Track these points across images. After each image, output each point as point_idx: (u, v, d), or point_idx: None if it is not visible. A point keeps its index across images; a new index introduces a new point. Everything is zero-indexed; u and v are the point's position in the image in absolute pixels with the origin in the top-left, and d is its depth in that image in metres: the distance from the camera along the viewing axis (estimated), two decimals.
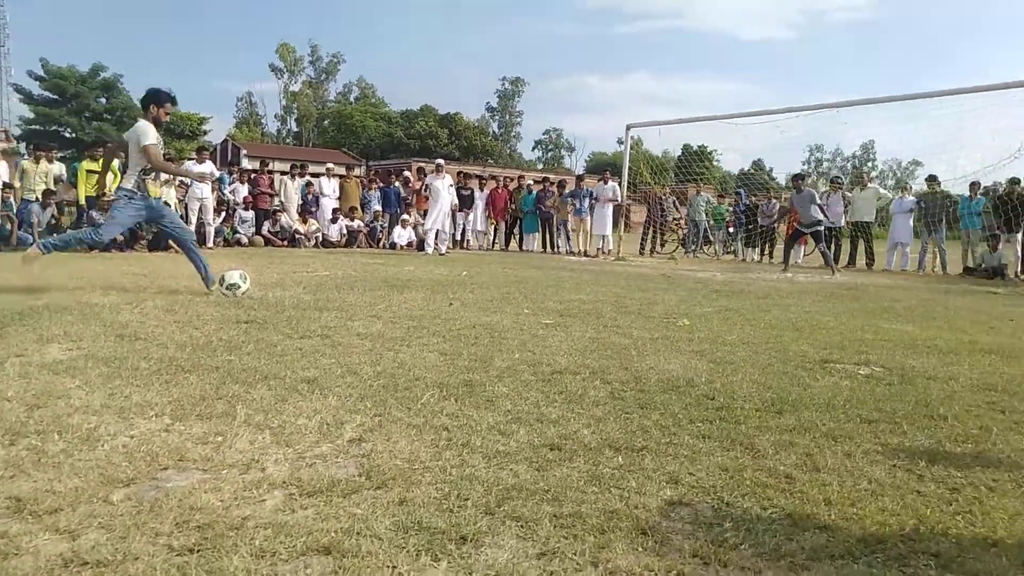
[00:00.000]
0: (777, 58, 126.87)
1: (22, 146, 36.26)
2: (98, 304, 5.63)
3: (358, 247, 15.72)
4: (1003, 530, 2.06)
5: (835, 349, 4.82)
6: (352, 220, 16.16)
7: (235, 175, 15.63)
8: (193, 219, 13.13)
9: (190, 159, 13.33)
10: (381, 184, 17.57)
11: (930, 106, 13.80)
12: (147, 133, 6.34)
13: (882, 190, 15.66)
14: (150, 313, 5.33)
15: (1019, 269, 13.05)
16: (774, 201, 17.21)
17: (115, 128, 44.85)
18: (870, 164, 63.71)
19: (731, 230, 18.26)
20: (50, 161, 13.29)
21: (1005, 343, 5.31)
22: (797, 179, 13.73)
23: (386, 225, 16.68)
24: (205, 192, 13.26)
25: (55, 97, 46.08)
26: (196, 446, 2.54)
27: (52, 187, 12.74)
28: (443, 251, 14.32)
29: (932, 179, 14.61)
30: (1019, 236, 13.17)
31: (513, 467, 2.43)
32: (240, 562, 1.73)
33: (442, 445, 2.64)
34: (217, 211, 14.06)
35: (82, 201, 12.34)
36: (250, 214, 14.97)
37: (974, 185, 13.94)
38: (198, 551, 1.79)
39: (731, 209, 18.36)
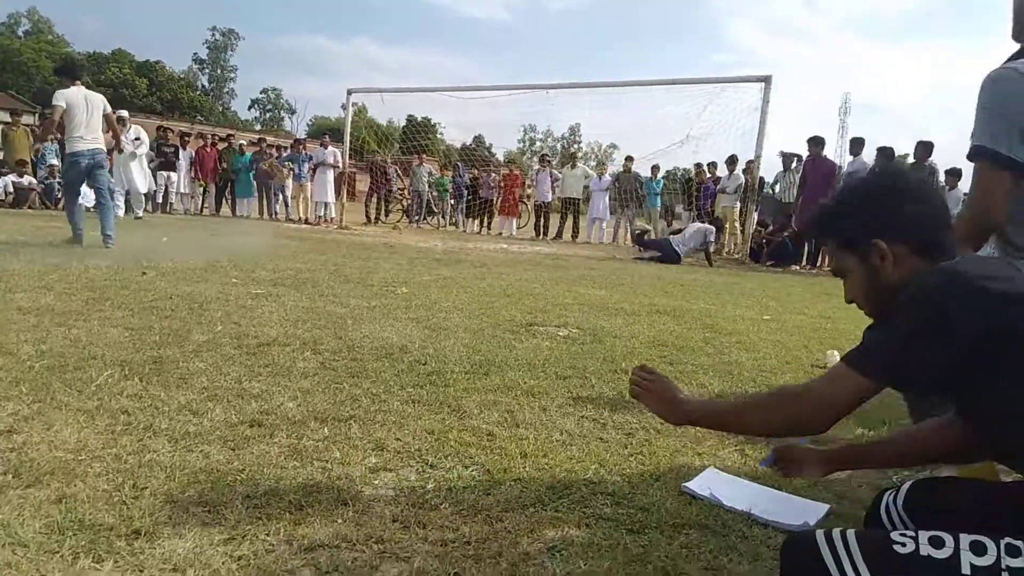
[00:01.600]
0: (497, 37, 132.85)
1: None
2: None
3: (29, 207, 13.41)
4: (665, 465, 2.36)
5: (539, 313, 5.19)
6: (21, 176, 13.71)
7: None
8: None
9: None
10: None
11: (626, 94, 15.47)
12: None
13: (588, 169, 17.22)
14: None
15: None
16: (493, 174, 18.09)
17: None
18: (576, 145, 69.86)
19: (452, 201, 18.82)
20: None
21: (676, 305, 6.14)
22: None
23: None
24: None
25: None
26: None
27: None
28: (140, 213, 13.06)
29: (629, 159, 16.39)
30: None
31: (204, 448, 2.21)
32: None
33: (119, 431, 2.31)
34: None
35: None
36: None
37: (654, 168, 15.95)
38: None
39: (452, 181, 18.92)
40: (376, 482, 2.08)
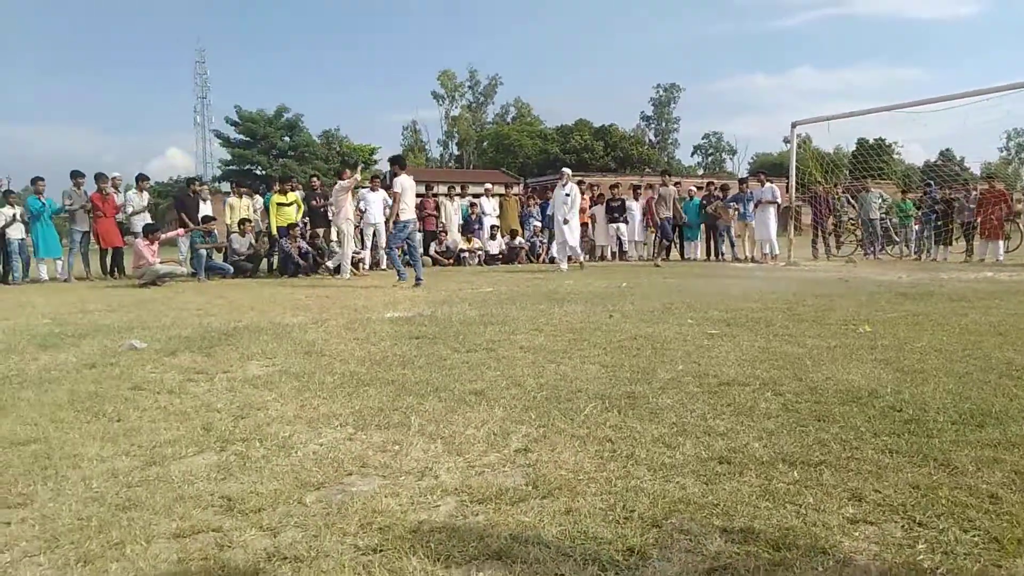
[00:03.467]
0: (958, 39, 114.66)
1: (225, 185, 40.68)
2: (289, 324, 6.20)
3: (518, 263, 16.10)
4: None
5: None
6: (513, 239, 16.60)
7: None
8: (368, 243, 14.07)
9: (365, 187, 14.26)
10: (539, 201, 17.89)
11: None
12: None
13: None
14: (333, 332, 5.78)
15: None
16: (974, 192, 15.53)
17: (297, 164, 49.19)
18: None
19: (917, 227, 16.68)
20: (251, 196, 14.80)
21: None
22: None
23: (546, 240, 16.94)
24: (377, 218, 14.16)
25: (248, 139, 51.32)
26: (376, 454, 2.72)
27: (249, 218, 14.08)
28: (564, 267, 13.21)
29: None
30: None
31: (680, 480, 2.38)
32: (419, 563, 1.83)
33: (606, 456, 2.64)
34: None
35: (274, 231, 13.66)
36: (418, 236, 15.81)
37: None
38: (380, 551, 1.92)
39: (917, 204, 16.80)
40: (856, 534, 1.97)
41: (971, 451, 2.59)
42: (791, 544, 1.89)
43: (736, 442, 2.76)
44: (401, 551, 1.90)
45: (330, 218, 13.82)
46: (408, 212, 10.54)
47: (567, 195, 13.14)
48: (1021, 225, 15.73)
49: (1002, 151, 64.51)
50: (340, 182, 13.11)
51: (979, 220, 14.90)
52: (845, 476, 2.39)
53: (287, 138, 52.91)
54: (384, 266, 14.27)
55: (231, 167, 51.27)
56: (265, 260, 14.35)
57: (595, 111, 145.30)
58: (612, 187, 18.32)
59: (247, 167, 50.70)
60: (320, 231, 14.13)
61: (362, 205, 13.98)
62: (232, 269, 13.01)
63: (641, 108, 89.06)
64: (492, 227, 16.62)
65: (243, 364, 4.50)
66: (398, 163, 10.94)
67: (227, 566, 1.86)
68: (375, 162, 60.39)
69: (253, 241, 13.76)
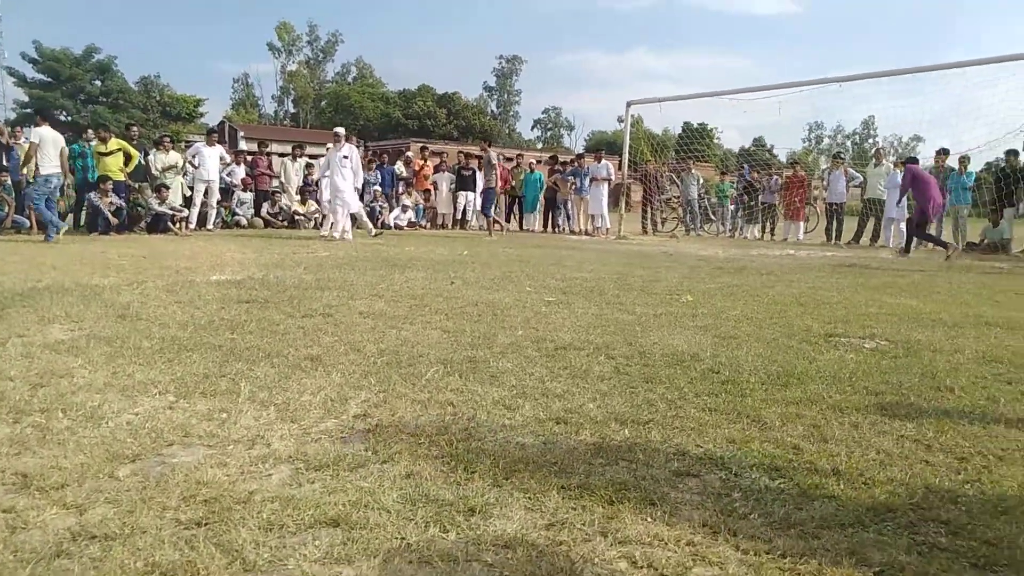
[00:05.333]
0: (778, 33, 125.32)
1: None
2: (98, 285, 5.62)
3: (357, 228, 15.66)
4: (1013, 497, 2.05)
5: (840, 323, 4.81)
6: None
7: (231, 157, 15.51)
8: (198, 200, 13.03)
9: (196, 141, 13.12)
10: (379, 163, 17.46)
11: (932, 80, 13.61)
12: None
13: (891, 166, 15.38)
14: (151, 294, 5.31)
15: None
16: (775, 177, 17.09)
17: (110, 111, 44.62)
18: (871, 141, 63.34)
19: (733, 207, 18.12)
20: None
21: (1011, 316, 5.28)
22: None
23: (385, 206, 16.60)
24: (212, 175, 13.15)
25: (49, 80, 45.76)
26: (201, 422, 2.53)
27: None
28: (338, 235, 11.94)
29: (943, 152, 14.23)
30: (1018, 209, 13.08)
31: (519, 440, 2.42)
32: (248, 535, 1.72)
33: (448, 420, 2.63)
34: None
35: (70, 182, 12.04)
36: (249, 196, 14.89)
37: (963, 159, 13.73)
38: (206, 524, 1.78)
39: (735, 186, 18.22)
40: (681, 486, 2.10)
41: (778, 408, 2.85)
42: (624, 498, 1.98)
43: (572, 403, 2.85)
44: (229, 523, 1.78)
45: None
46: (50, 166, 10.31)
47: (344, 157, 11.87)
48: (818, 208, 17.52)
49: (805, 141, 71.61)
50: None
51: (784, 203, 16.43)
52: (671, 433, 2.54)
53: (98, 82, 47.75)
54: (210, 226, 13.32)
55: (28, 109, 45.47)
56: (71, 216, 12.88)
57: (439, 78, 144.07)
58: (460, 154, 18.18)
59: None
60: (141, 185, 12.84)
61: (196, 160, 12.93)
62: (29, 223, 11.57)
63: (484, 78, 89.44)
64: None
65: (43, 328, 4.01)
66: (41, 114, 10.67)
67: (20, 550, 1.64)
68: (201, 115, 56.06)
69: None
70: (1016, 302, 6.23)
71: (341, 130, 12.49)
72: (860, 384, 3.23)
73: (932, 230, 13.96)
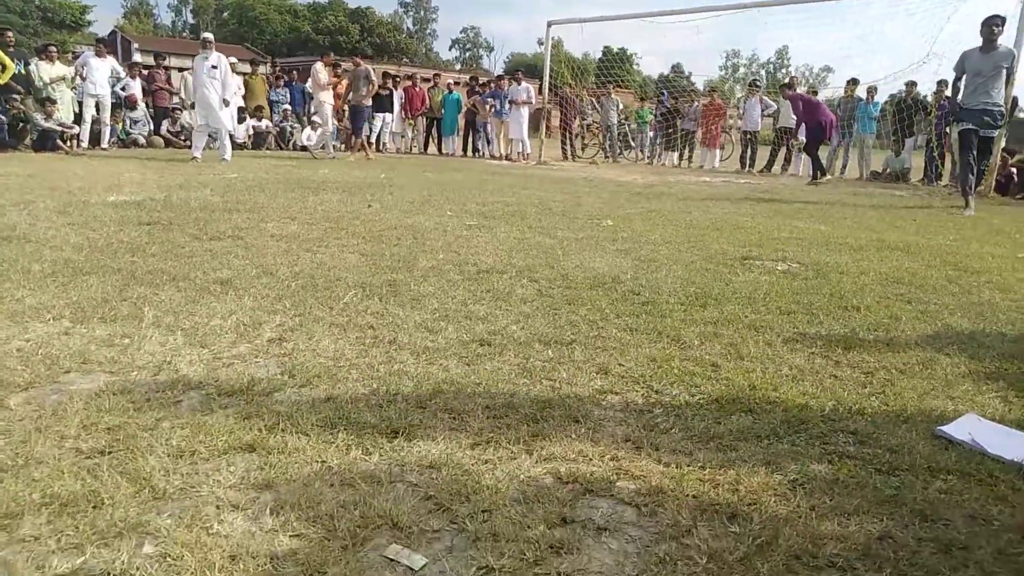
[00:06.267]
0: None
1: None
2: None
3: (267, 149, 14.95)
4: (913, 407, 2.17)
5: (754, 247, 4.94)
6: (259, 120, 15.28)
7: (126, 71, 14.36)
8: (88, 116, 12.06)
9: (83, 51, 12.03)
10: (287, 79, 16.57)
11: (842, 11, 13.90)
12: None
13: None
14: (40, 215, 4.92)
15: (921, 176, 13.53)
16: (696, 103, 17.23)
17: None
18: (784, 71, 64.66)
19: (652, 133, 18.22)
20: None
21: (910, 240, 5.57)
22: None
23: (296, 126, 15.86)
24: (102, 89, 12.15)
25: None
26: (101, 348, 2.37)
27: None
28: (199, 154, 10.85)
29: (853, 82, 14.64)
30: (917, 140, 13.71)
31: (443, 362, 2.38)
32: (157, 462, 1.63)
33: (368, 343, 2.55)
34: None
35: None
36: (142, 112, 13.89)
37: (871, 89, 14.22)
38: (109, 453, 1.67)
39: (654, 112, 18.28)
40: (604, 403, 2.12)
41: (696, 328, 2.91)
42: (548, 416, 1.98)
43: (495, 325, 2.82)
44: (135, 451, 1.67)
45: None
46: None
47: (213, 67, 10.67)
48: (733, 136, 17.86)
49: (722, 69, 72.32)
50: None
51: (701, 130, 16.66)
52: (593, 353, 2.55)
53: None
54: (104, 144, 12.41)
55: None
56: None
57: None
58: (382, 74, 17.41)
59: None
60: (20, 97, 11.74)
61: (84, 71, 11.88)
62: None
63: None
64: (239, 109, 15.10)
65: None
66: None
67: None
68: (88, 23, 51.59)
69: None
70: (914, 227, 6.56)
71: (209, 35, 11.26)
72: (773, 304, 3.34)
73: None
